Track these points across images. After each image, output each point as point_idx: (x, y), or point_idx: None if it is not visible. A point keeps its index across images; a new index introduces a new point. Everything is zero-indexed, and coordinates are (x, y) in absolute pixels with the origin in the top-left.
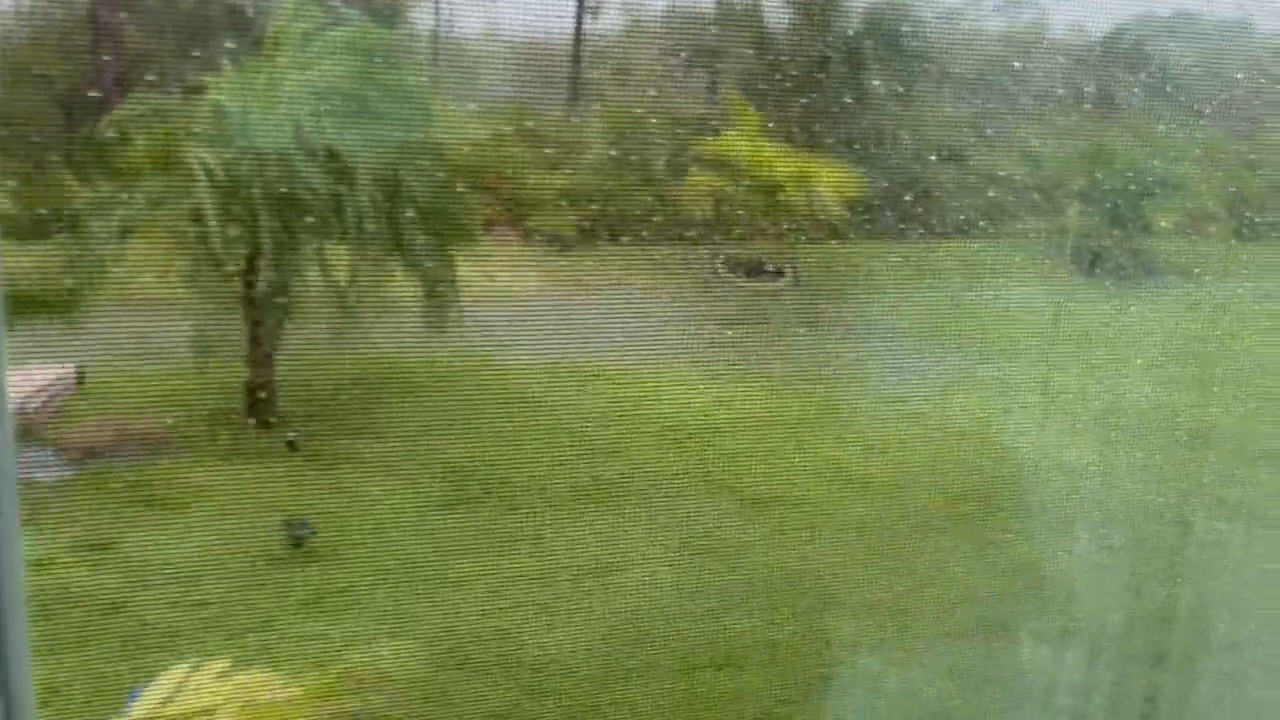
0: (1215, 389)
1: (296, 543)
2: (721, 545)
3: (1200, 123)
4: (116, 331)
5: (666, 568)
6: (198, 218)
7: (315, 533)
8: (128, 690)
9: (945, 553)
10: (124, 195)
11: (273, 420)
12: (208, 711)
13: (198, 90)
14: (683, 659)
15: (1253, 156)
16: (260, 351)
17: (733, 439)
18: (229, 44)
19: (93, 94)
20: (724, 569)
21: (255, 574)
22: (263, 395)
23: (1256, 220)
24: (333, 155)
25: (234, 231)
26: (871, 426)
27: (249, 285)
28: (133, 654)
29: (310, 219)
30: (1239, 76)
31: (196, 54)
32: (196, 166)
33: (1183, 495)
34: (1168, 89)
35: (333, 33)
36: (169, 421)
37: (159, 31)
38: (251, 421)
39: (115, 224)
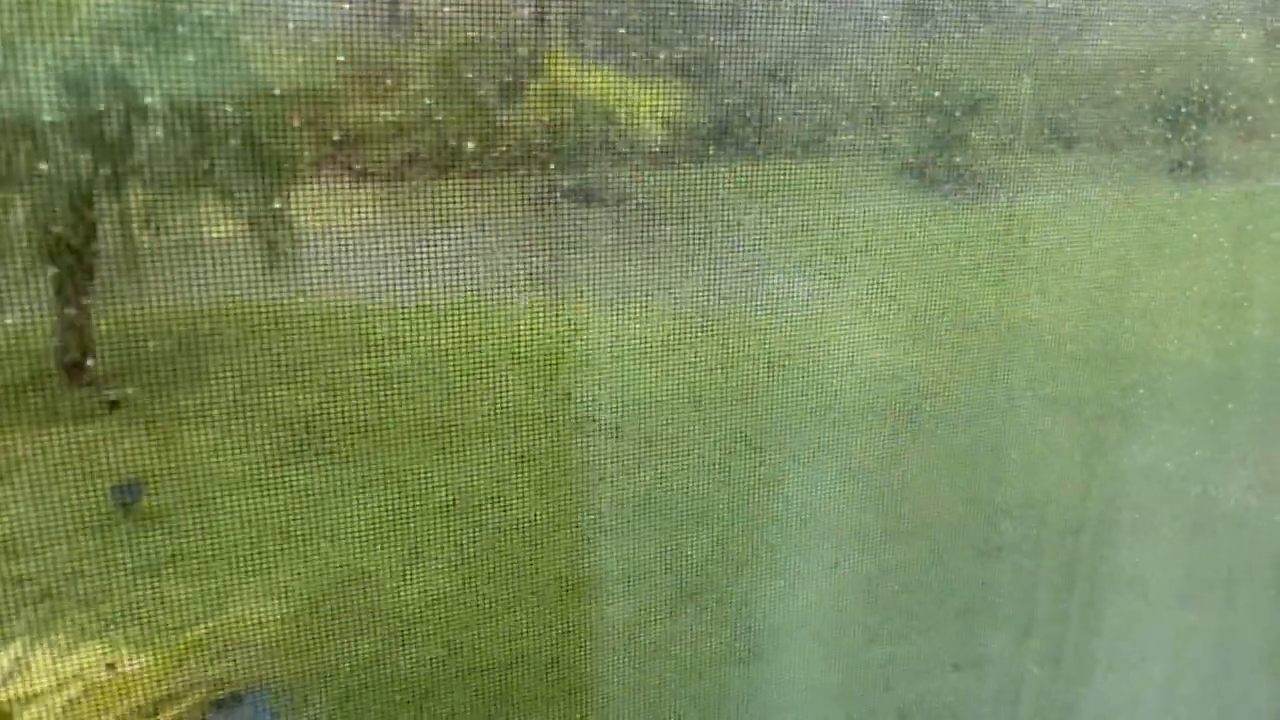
0: (1034, 291)
1: (127, 506)
2: (577, 475)
3: (1021, 36)
4: None
5: (525, 502)
6: None
7: (144, 496)
8: None
9: (789, 465)
10: None
11: (91, 379)
12: (44, 694)
13: None
14: (545, 589)
15: (1068, 68)
16: (70, 307)
17: (580, 367)
18: None
19: None
20: (583, 499)
21: (88, 543)
22: (77, 354)
23: (1067, 131)
24: (126, 88)
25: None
26: (716, 347)
27: (49, 239)
28: None
29: (108, 161)
30: None
31: None
32: None
33: (1010, 393)
34: (991, 6)
35: None
36: None
37: None
38: (68, 383)
39: None
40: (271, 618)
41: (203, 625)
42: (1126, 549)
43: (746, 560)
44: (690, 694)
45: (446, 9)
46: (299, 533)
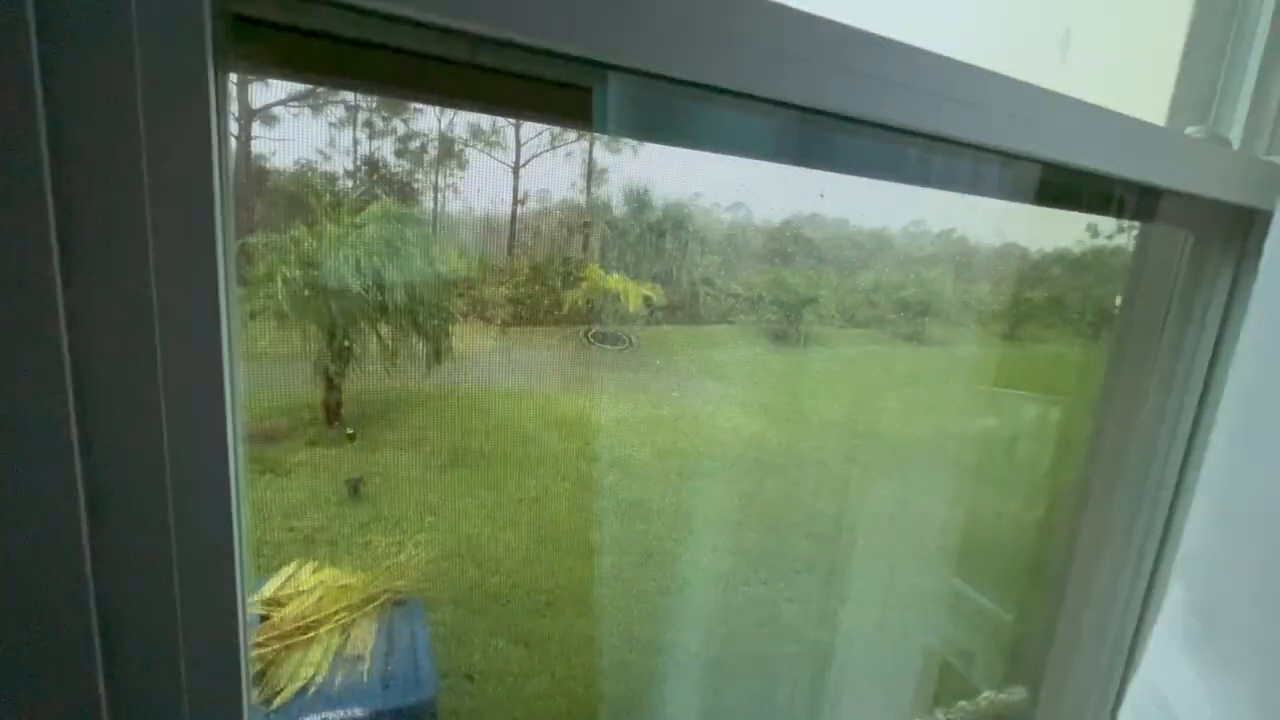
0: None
1: (354, 490)
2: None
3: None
4: None
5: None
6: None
7: (362, 485)
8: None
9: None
10: None
11: (339, 422)
12: (308, 591)
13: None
14: None
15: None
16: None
17: (596, 430)
18: None
19: None
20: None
21: (332, 510)
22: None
23: (855, 313)
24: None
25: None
26: (672, 425)
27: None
28: (260, 560)
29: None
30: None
31: None
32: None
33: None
34: (816, 251)
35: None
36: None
37: None
38: (327, 423)
39: None
40: (428, 558)
41: (390, 559)
42: None
43: None
44: None
45: (539, 241)
46: (449, 510)
